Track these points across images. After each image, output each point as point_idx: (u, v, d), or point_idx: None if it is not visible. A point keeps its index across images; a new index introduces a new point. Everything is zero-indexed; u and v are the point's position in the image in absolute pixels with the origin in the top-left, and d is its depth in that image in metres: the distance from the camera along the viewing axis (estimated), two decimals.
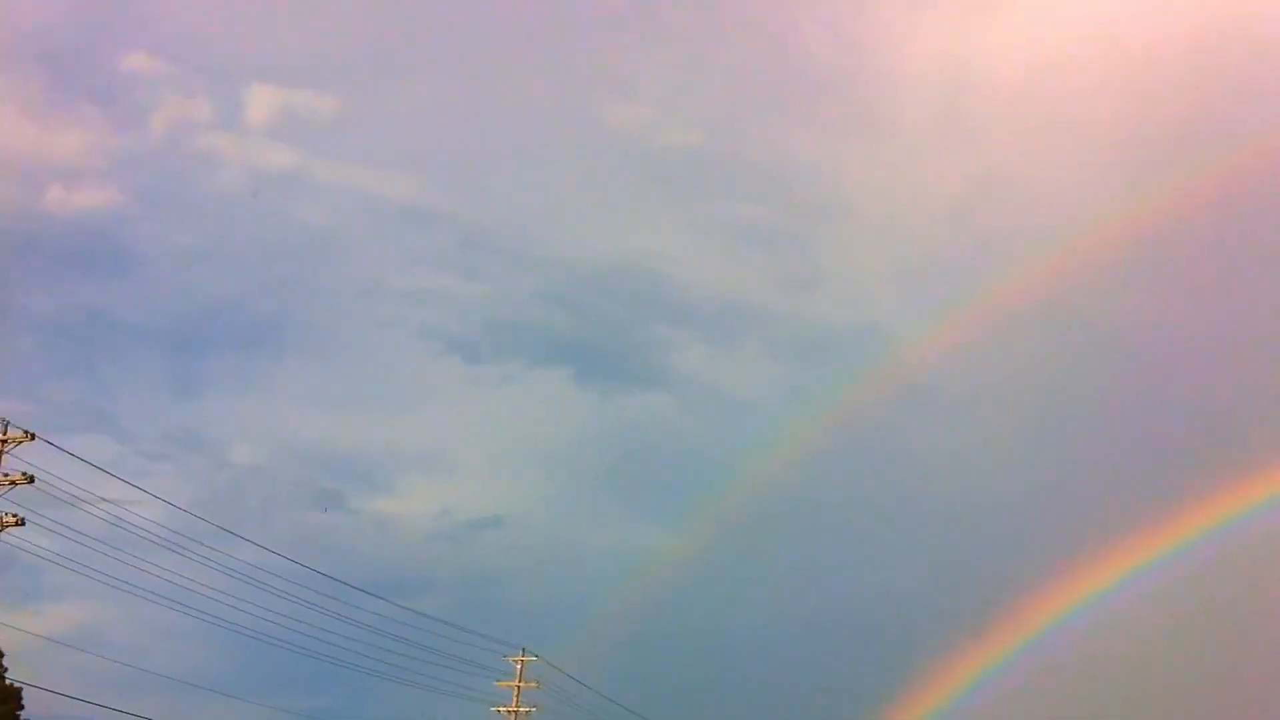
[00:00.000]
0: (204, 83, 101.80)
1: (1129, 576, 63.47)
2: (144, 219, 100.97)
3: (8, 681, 36.01)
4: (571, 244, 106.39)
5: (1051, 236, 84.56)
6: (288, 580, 40.84)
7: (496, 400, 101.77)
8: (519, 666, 50.58)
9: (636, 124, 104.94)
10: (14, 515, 30.54)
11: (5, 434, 31.06)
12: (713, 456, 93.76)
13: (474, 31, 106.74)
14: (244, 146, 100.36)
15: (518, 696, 50.32)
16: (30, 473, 30.84)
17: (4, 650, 37.80)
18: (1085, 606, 64.22)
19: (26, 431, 30.82)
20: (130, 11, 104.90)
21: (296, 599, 41.35)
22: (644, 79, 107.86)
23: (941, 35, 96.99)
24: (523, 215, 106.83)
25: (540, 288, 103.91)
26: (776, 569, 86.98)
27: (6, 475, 30.55)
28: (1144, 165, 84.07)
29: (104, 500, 33.71)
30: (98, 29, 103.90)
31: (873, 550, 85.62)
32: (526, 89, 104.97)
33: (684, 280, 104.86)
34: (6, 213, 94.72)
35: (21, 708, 37.89)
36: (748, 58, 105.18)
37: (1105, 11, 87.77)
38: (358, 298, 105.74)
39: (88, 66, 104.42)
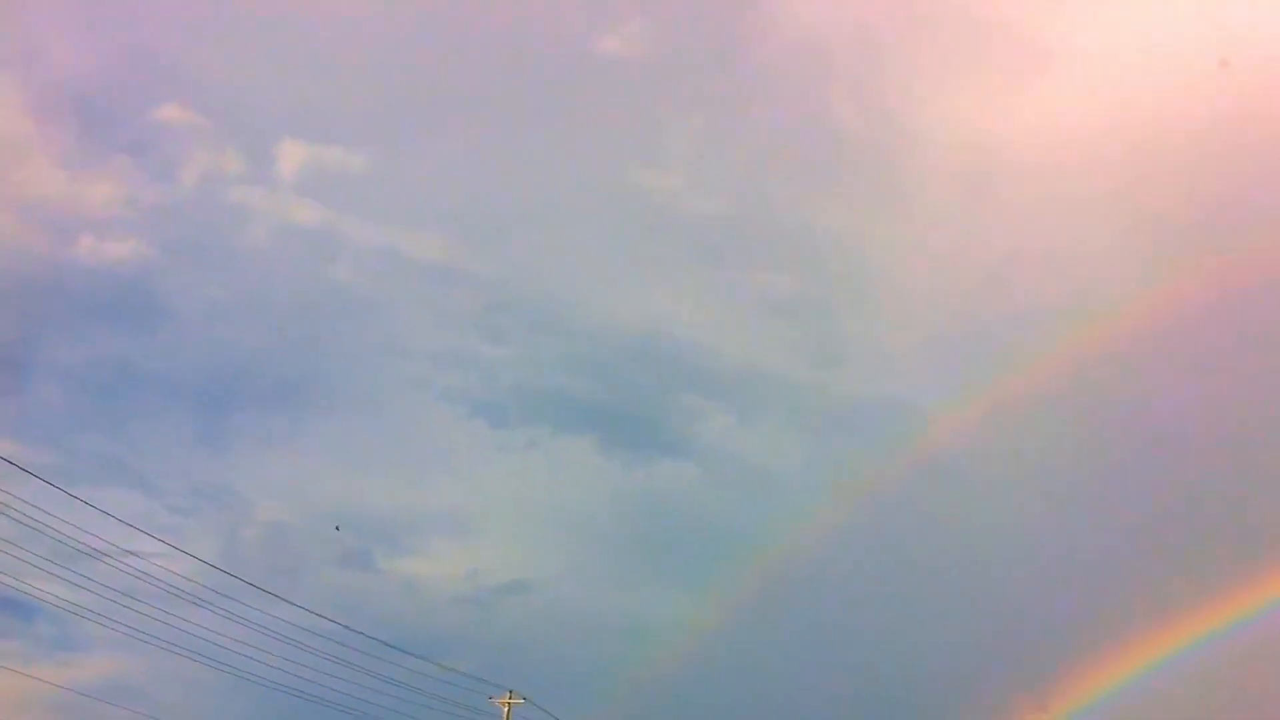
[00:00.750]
0: (235, 136, 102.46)
1: (1160, 662, 62.49)
2: (173, 271, 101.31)
3: None
4: (598, 309, 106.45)
5: (1083, 313, 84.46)
6: (316, 636, 40.75)
7: (522, 465, 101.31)
8: (505, 709, 48.90)
9: (664, 189, 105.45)
10: None
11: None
12: (736, 527, 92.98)
13: (505, 93, 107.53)
14: (274, 201, 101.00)
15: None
16: None
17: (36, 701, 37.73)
18: (1112, 693, 63.18)
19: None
20: (163, 63, 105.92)
21: (324, 654, 41.27)
22: (672, 145, 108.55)
23: (973, 107, 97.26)
24: (549, 279, 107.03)
25: (566, 353, 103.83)
26: (798, 640, 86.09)
27: None
28: (1179, 243, 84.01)
29: (132, 554, 33.76)
30: (130, 79, 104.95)
31: (894, 626, 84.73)
32: (556, 151, 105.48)
33: (709, 348, 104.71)
34: (37, 263, 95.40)
35: None
36: (776, 125, 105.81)
37: (1141, 87, 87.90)
38: (385, 357, 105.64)
39: (120, 117, 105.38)
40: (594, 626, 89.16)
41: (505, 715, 48.39)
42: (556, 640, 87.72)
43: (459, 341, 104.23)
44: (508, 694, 48.62)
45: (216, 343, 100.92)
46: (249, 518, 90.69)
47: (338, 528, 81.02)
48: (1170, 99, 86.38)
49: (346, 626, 41.59)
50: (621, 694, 75.16)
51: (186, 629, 36.04)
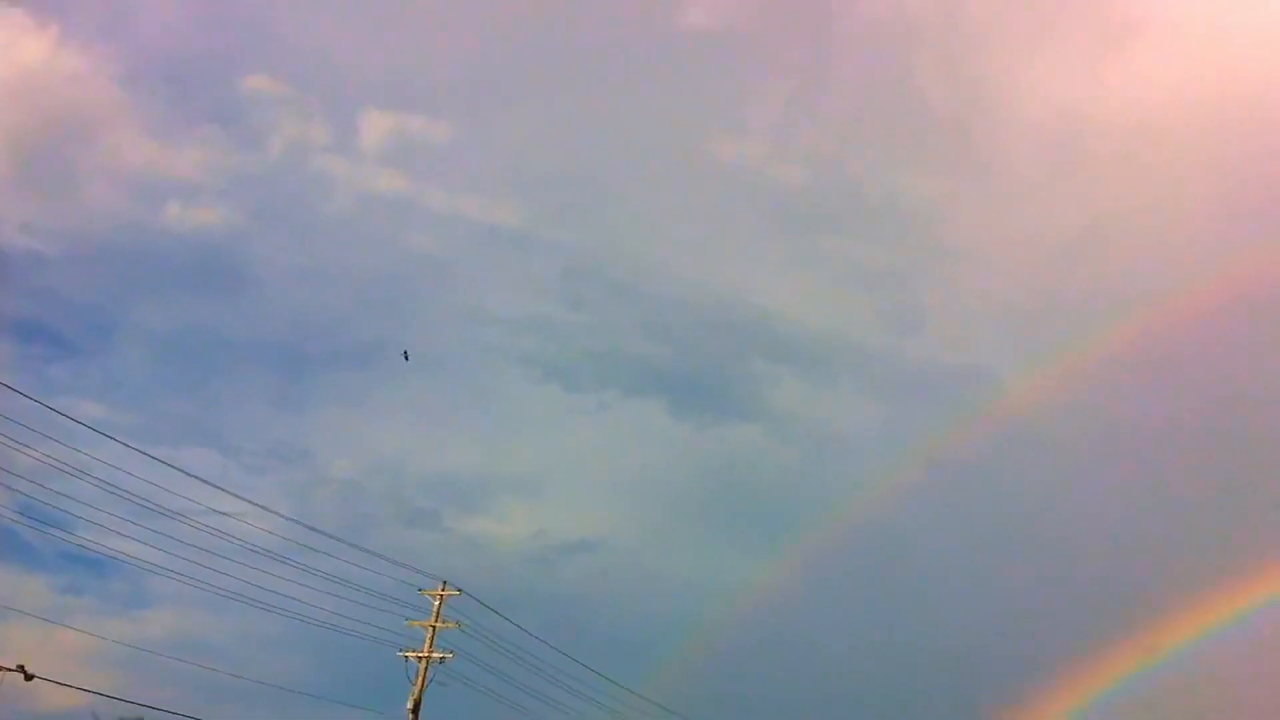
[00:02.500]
0: (321, 105, 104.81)
1: (1229, 626, 61.62)
2: (257, 238, 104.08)
3: None
4: (675, 277, 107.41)
5: (1164, 284, 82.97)
6: (386, 596, 41.65)
7: (593, 428, 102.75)
8: (437, 602, 42.92)
9: (745, 158, 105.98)
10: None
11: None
12: (806, 492, 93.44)
13: (586, 62, 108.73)
14: (357, 170, 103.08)
15: (432, 638, 42.22)
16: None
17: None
18: (1179, 654, 62.41)
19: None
20: (253, 32, 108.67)
21: (390, 610, 42.07)
22: (754, 114, 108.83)
23: (1057, 78, 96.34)
24: (626, 246, 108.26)
25: (641, 318, 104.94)
26: (865, 605, 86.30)
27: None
28: (1264, 213, 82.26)
29: (213, 512, 34.93)
30: (221, 49, 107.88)
31: (962, 591, 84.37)
32: (638, 121, 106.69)
33: (784, 315, 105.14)
34: (125, 228, 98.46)
35: None
36: (859, 95, 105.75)
37: (1225, 54, 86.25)
38: (462, 322, 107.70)
39: (210, 85, 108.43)
40: (659, 586, 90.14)
41: (436, 609, 43.15)
42: (620, 599, 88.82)
43: (536, 307, 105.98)
44: (441, 584, 43.71)
45: (298, 308, 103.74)
46: (322, 477, 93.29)
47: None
48: (1264, 69, 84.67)
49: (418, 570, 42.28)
50: (686, 653, 75.63)
51: (264, 584, 37.19)
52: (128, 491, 32.35)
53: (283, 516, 38.05)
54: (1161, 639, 63.19)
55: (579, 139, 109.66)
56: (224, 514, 35.57)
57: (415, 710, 40.52)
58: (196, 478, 34.59)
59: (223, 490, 35.39)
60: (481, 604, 43.71)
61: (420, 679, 40.98)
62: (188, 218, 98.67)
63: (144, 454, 32.73)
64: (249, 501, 36.89)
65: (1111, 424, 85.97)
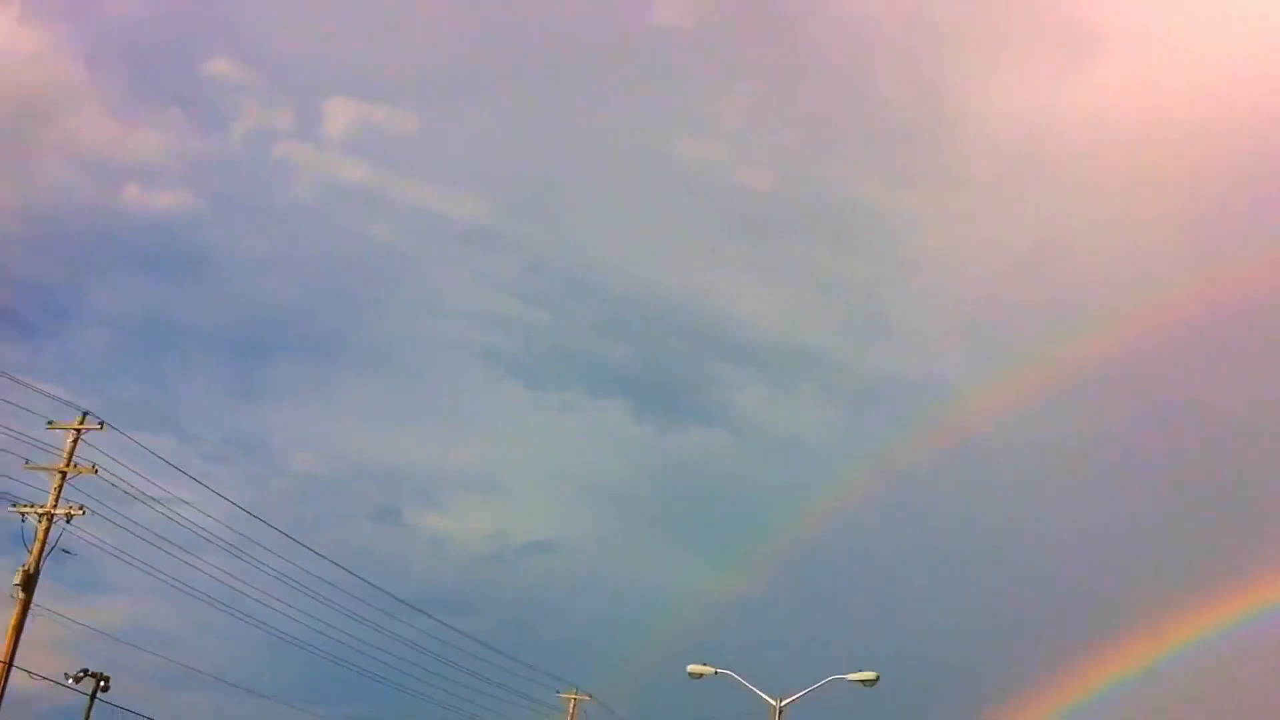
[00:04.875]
0: (285, 92, 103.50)
1: (1183, 649, 62.25)
2: (218, 223, 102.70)
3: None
4: (638, 277, 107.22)
5: (1120, 299, 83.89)
6: (338, 589, 41.03)
7: (554, 427, 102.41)
8: (571, 705, 47.52)
9: (709, 161, 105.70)
10: (78, 506, 30.61)
11: (82, 423, 31.41)
12: (765, 496, 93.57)
13: (553, 59, 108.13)
14: (320, 158, 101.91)
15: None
16: (96, 463, 31.02)
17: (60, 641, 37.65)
18: (1131, 679, 62.96)
19: (101, 421, 31.22)
20: (215, 16, 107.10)
21: (343, 608, 41.41)
22: (719, 116, 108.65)
23: (1020, 90, 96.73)
24: (590, 244, 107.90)
25: (604, 318, 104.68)
26: (820, 613, 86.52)
27: (76, 464, 30.83)
28: (1219, 235, 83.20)
29: (168, 497, 33.86)
30: (183, 32, 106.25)
31: (919, 602, 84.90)
32: (603, 119, 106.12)
33: (747, 320, 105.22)
34: (84, 209, 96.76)
35: None
36: (823, 100, 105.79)
37: (1199, 70, 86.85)
38: (423, 315, 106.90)
39: (172, 69, 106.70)
40: (617, 589, 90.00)
41: (570, 712, 47.72)
42: (578, 601, 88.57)
43: (497, 303, 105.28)
44: (574, 691, 47.96)
45: (257, 295, 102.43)
46: (280, 468, 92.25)
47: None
48: (1231, 83, 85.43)
49: (374, 584, 41.65)
50: (641, 655, 75.45)
51: (213, 575, 36.28)
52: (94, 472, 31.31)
53: (231, 502, 37.03)
54: (1122, 653, 63.77)
55: (545, 134, 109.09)
56: (183, 501, 34.53)
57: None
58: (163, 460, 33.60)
59: (182, 472, 34.33)
60: (605, 707, 46.90)
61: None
62: (147, 201, 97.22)
63: (119, 432, 31.66)
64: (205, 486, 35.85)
65: (1072, 436, 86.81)
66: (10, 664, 29.57)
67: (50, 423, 31.70)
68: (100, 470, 31.55)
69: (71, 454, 31.41)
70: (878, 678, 35.58)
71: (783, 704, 35.88)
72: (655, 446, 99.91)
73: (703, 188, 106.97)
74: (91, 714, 34.86)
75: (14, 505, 31.08)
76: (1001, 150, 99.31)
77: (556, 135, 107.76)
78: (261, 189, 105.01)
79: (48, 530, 30.70)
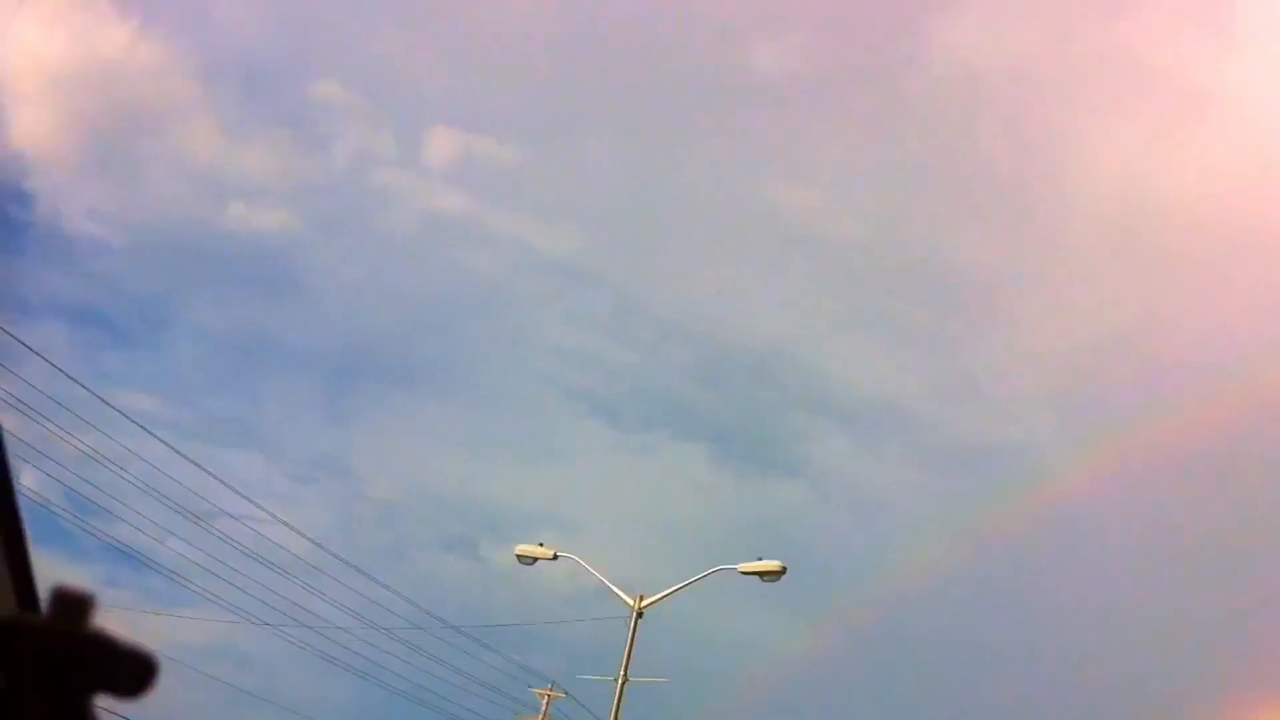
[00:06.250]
0: (389, 118, 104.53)
1: None
2: (317, 246, 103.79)
3: None
4: (726, 322, 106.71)
5: (1222, 376, 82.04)
6: (405, 621, 41.36)
7: (634, 469, 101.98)
8: (545, 702, 45.19)
9: (803, 208, 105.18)
10: None
11: None
12: (843, 556, 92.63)
13: (654, 102, 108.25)
14: (420, 186, 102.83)
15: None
16: None
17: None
18: None
19: None
20: (327, 39, 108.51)
21: (411, 642, 41.74)
22: (816, 164, 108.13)
23: (1124, 151, 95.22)
24: (681, 287, 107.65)
25: (690, 362, 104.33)
26: (889, 679, 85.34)
27: None
28: None
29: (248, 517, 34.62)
30: (295, 52, 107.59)
31: (988, 677, 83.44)
32: (701, 161, 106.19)
33: (835, 373, 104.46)
34: (188, 224, 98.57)
35: None
36: (922, 151, 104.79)
37: None
38: (512, 349, 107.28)
39: (282, 89, 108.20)
40: (688, 640, 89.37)
41: (544, 709, 45.10)
42: (649, 649, 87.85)
43: (586, 341, 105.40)
44: (549, 687, 45.29)
45: (350, 320, 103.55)
46: (362, 494, 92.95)
47: None
48: None
49: (431, 613, 41.77)
50: (711, 710, 74.99)
51: (282, 597, 36.95)
52: (166, 492, 32.11)
53: (308, 539, 37.51)
54: None
55: (643, 176, 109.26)
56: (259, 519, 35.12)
57: None
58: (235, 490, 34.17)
59: (257, 505, 35.00)
60: (583, 707, 42.45)
61: None
62: (250, 219, 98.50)
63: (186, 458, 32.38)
64: (279, 519, 36.42)
65: (1155, 526, 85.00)
66: None
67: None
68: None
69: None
70: (783, 569, 31.19)
71: (643, 604, 31.40)
72: (734, 494, 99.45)
73: (796, 237, 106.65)
74: None
75: None
76: (1101, 216, 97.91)
77: (654, 178, 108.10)
78: (360, 214, 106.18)
79: None
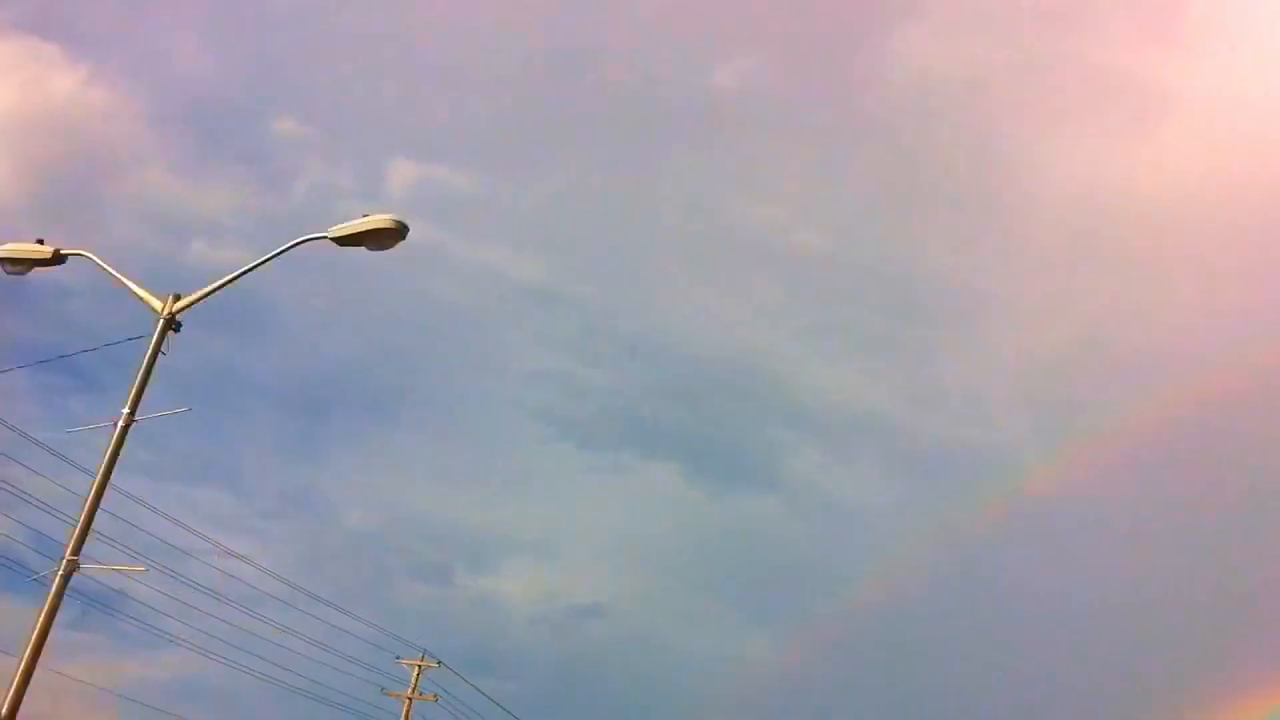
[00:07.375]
0: (348, 152, 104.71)
1: None
2: (280, 280, 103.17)
3: None
4: (694, 338, 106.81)
5: (1185, 373, 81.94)
6: (381, 649, 41.00)
7: (607, 489, 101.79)
8: (415, 672, 43.78)
9: (768, 223, 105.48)
10: None
11: None
12: (818, 566, 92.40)
13: (614, 121, 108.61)
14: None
15: (408, 710, 42.70)
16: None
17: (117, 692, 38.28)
18: None
19: None
20: (281, 76, 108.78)
21: (381, 669, 41.34)
22: (779, 179, 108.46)
23: (1083, 156, 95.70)
24: (647, 306, 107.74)
25: (659, 380, 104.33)
26: (869, 686, 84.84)
27: None
28: None
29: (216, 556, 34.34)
30: (249, 91, 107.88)
31: (969, 678, 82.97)
32: (663, 179, 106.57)
33: (804, 384, 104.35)
34: (150, 262, 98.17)
35: None
36: (884, 164, 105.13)
37: (1262, 145, 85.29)
38: (480, 374, 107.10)
39: (237, 127, 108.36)
40: (668, 655, 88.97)
41: (414, 680, 43.76)
42: (625, 666, 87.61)
43: (554, 363, 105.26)
44: (420, 655, 44.09)
45: (316, 351, 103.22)
46: (334, 525, 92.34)
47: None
48: None
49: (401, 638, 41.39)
50: None
51: (251, 632, 36.57)
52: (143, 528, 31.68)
53: (270, 574, 37.19)
54: None
55: (605, 196, 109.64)
56: (235, 555, 34.93)
57: None
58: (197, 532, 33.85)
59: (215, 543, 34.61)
60: (461, 677, 42.38)
61: None
62: (212, 256, 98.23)
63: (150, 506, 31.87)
64: (241, 557, 36.10)
65: (1130, 516, 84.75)
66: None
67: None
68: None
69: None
70: (398, 225, 24.44)
71: (176, 308, 22.86)
72: (708, 510, 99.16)
73: (762, 250, 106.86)
74: None
75: None
76: (1064, 217, 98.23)
77: (616, 196, 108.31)
78: (323, 246, 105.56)
79: None
